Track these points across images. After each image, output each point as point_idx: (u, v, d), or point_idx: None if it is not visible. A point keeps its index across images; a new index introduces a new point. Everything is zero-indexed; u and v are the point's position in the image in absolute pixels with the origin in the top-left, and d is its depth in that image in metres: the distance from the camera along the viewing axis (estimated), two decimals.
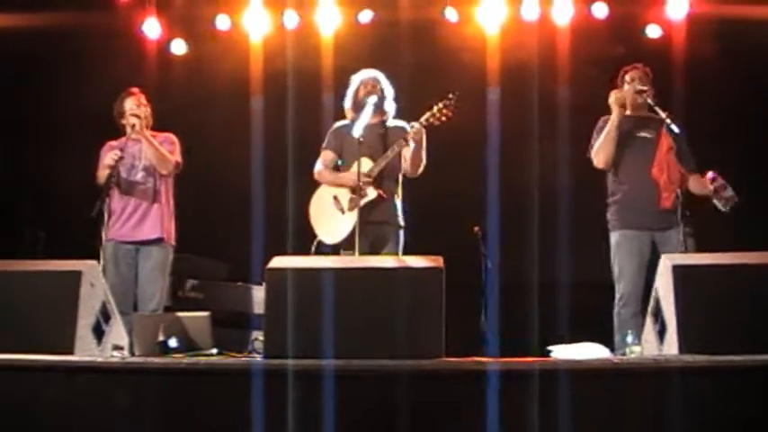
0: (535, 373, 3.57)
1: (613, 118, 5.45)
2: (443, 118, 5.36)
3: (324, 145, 5.75)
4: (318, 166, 5.71)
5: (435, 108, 5.36)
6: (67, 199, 6.14)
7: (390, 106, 5.71)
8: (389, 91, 5.72)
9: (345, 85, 5.81)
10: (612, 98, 5.49)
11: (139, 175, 5.80)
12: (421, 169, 5.55)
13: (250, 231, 6.23)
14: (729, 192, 5.21)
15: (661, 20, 7.19)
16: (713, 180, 5.25)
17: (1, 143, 7.38)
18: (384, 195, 5.45)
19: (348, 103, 5.75)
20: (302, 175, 5.95)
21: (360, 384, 3.65)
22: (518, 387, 3.52)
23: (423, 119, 5.37)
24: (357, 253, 5.09)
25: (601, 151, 5.48)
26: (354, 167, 5.34)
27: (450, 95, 5.36)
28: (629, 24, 7.29)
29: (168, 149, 5.87)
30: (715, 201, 5.27)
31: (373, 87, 5.64)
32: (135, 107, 5.82)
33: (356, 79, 5.74)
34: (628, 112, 5.55)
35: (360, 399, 3.63)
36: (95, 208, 5.42)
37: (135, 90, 5.94)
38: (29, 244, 7.05)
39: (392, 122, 5.69)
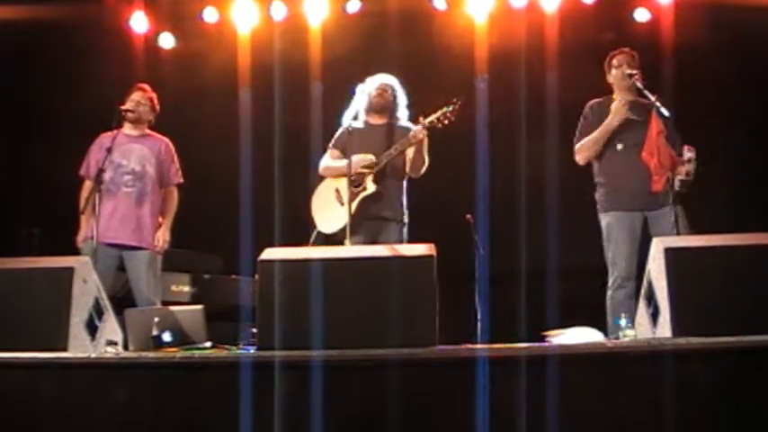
0: (530, 358, 3.58)
1: (610, 124, 5.43)
2: (446, 121, 5.39)
3: (331, 144, 5.79)
4: (324, 162, 5.75)
5: (440, 112, 5.39)
6: (62, 196, 6.12)
7: (403, 114, 5.75)
8: (403, 99, 5.77)
9: (334, 76, 5.81)
10: (615, 107, 5.46)
11: (126, 178, 5.73)
12: (423, 170, 5.60)
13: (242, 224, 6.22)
14: (692, 167, 5.15)
15: (649, 3, 7.20)
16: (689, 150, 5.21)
17: None
18: (383, 193, 5.51)
19: (360, 104, 5.74)
20: (291, 167, 5.95)
21: (355, 374, 3.66)
22: (511, 373, 3.53)
23: (426, 121, 5.40)
24: (349, 243, 5.10)
25: (584, 152, 5.52)
26: (355, 158, 5.39)
27: (456, 100, 5.39)
28: (617, 9, 7.29)
29: (171, 170, 5.90)
30: (678, 175, 5.19)
31: (384, 92, 5.68)
32: (130, 102, 5.82)
33: (371, 82, 5.76)
34: (615, 96, 5.55)
35: (355, 388, 3.64)
36: (86, 204, 5.42)
37: (142, 86, 5.96)
38: (23, 241, 7.03)
39: (399, 123, 5.73)
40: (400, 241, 5.52)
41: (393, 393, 3.56)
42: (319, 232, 5.59)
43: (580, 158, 5.56)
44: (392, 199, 5.59)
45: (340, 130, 5.76)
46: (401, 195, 5.66)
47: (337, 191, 5.59)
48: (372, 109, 5.72)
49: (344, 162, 5.44)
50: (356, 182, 5.43)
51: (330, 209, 5.59)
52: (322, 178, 5.77)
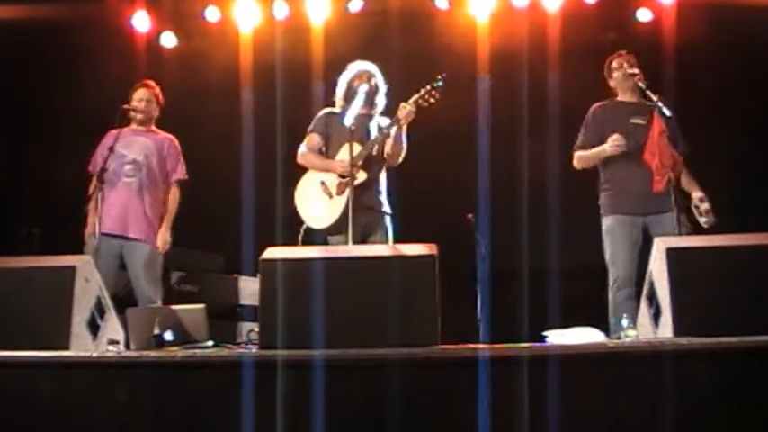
0: (532, 358, 3.57)
1: (604, 151, 5.43)
2: (431, 99, 5.31)
3: (310, 128, 5.66)
4: (303, 149, 5.62)
5: (423, 90, 5.32)
6: (62, 196, 6.12)
7: (381, 101, 5.66)
8: (382, 86, 5.68)
9: (336, 76, 5.78)
10: (615, 138, 5.43)
11: (126, 168, 5.71)
12: (401, 158, 5.50)
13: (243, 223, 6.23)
14: (711, 218, 5.27)
15: (651, 3, 7.20)
16: (701, 200, 5.32)
17: None
18: (372, 180, 5.45)
19: (340, 91, 5.68)
20: (293, 167, 5.93)
21: (357, 373, 3.65)
22: (512, 373, 3.52)
23: (411, 100, 5.32)
24: (349, 237, 5.06)
25: (581, 163, 5.54)
26: (340, 154, 5.36)
27: (439, 77, 5.31)
28: (619, 9, 7.30)
29: (175, 165, 5.87)
30: (697, 215, 5.33)
31: (368, 79, 5.62)
32: (137, 102, 5.80)
33: (351, 69, 5.68)
34: (618, 98, 5.55)
35: (357, 388, 3.63)
36: (92, 200, 5.42)
37: (147, 82, 5.93)
38: (23, 241, 7.04)
39: (378, 118, 5.64)
40: (386, 230, 5.47)
41: (394, 393, 3.55)
42: (308, 228, 5.50)
43: (576, 166, 5.59)
44: (380, 187, 5.53)
45: (319, 116, 5.67)
46: (384, 184, 5.57)
47: (323, 183, 5.47)
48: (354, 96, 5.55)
49: (331, 161, 5.44)
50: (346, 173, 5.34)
51: (318, 202, 5.45)
52: (303, 168, 5.64)
